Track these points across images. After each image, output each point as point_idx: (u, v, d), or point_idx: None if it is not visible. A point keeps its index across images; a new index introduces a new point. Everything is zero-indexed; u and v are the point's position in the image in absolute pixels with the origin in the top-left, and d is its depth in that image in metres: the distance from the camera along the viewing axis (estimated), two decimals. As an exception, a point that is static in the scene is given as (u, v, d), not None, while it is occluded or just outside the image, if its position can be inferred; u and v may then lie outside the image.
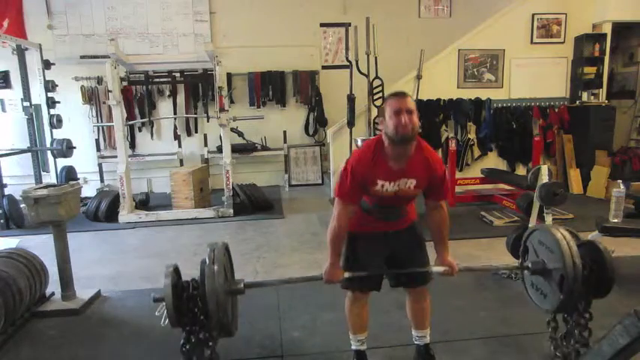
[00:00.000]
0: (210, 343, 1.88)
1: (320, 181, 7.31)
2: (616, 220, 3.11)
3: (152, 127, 7.10)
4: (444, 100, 6.23)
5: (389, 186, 1.96)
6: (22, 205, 4.89)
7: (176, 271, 1.87)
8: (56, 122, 6.01)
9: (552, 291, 2.02)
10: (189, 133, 7.25)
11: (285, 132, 7.16)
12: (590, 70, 6.28)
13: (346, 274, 2.05)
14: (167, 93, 7.11)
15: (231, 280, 1.97)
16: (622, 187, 3.20)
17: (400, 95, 1.95)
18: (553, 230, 2.09)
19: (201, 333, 1.85)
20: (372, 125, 5.93)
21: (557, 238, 2.04)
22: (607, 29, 6.28)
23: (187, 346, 1.86)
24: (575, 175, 6.25)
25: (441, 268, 2.08)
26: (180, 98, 7.12)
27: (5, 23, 6.44)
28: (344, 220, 2.00)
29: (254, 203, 5.55)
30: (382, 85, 5.81)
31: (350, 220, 2.02)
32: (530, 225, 3.26)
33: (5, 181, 5.09)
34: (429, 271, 2.10)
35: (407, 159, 1.96)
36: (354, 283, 2.10)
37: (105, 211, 5.24)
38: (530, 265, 2.14)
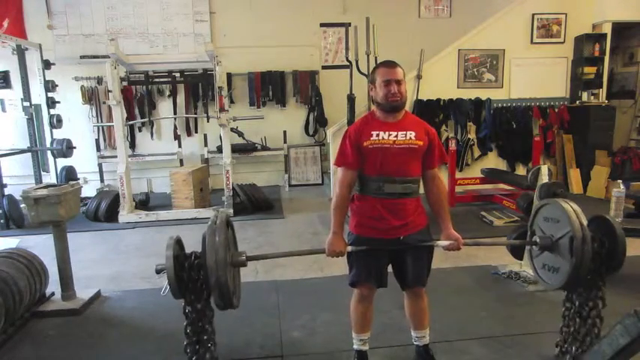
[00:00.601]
0: (211, 314, 1.91)
1: (320, 181, 7.31)
2: (617, 220, 3.11)
3: (152, 127, 7.10)
4: (443, 100, 6.23)
5: (384, 135, 2.00)
6: (22, 205, 4.89)
7: (178, 242, 1.87)
8: (56, 122, 6.01)
9: (563, 261, 1.99)
10: (189, 133, 7.25)
11: (285, 132, 7.16)
12: (590, 70, 6.27)
13: (349, 248, 2.05)
14: (167, 93, 7.11)
15: (234, 251, 1.95)
16: (622, 187, 3.20)
17: (390, 65, 2.03)
18: (559, 202, 2.09)
19: (202, 303, 1.87)
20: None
21: (563, 208, 2.04)
22: (607, 29, 6.28)
23: (189, 316, 1.88)
24: (575, 175, 6.25)
25: (446, 242, 2.08)
26: (180, 98, 7.12)
27: (5, 23, 6.44)
28: (345, 187, 2.04)
29: (254, 203, 5.55)
30: (382, 85, 5.80)
31: (358, 210, 2.06)
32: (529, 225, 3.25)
33: (5, 181, 5.10)
34: (434, 244, 2.10)
35: (399, 118, 2.06)
36: (362, 278, 2.07)
37: (105, 211, 5.24)
38: (538, 241, 2.13)
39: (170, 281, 1.77)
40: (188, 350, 1.94)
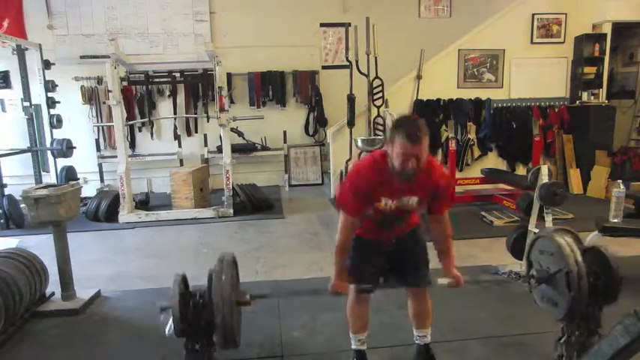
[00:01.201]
0: (215, 354, 1.88)
1: (320, 181, 7.31)
2: (616, 220, 3.10)
3: (152, 127, 7.10)
4: (444, 100, 6.23)
5: (392, 203, 1.96)
6: (22, 205, 4.89)
7: (184, 280, 1.87)
8: (56, 122, 6.01)
9: (561, 295, 2.02)
10: (189, 133, 7.25)
11: (285, 132, 7.15)
12: (590, 70, 6.28)
13: (352, 287, 2.04)
14: (167, 93, 7.11)
15: (239, 291, 1.96)
16: (622, 187, 3.19)
17: (413, 140, 1.82)
18: (552, 235, 2.11)
19: (206, 343, 1.85)
20: (371, 125, 5.93)
21: (557, 242, 2.06)
22: (607, 29, 6.28)
23: (191, 356, 1.85)
24: (575, 175, 6.25)
25: (446, 280, 2.08)
26: (180, 98, 7.12)
27: (5, 23, 6.43)
28: (349, 233, 2.01)
29: (254, 203, 5.55)
30: (382, 85, 5.81)
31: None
32: (530, 225, 3.25)
33: (5, 181, 5.09)
34: (432, 282, 2.10)
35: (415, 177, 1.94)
36: (357, 282, 2.08)
37: (105, 211, 5.24)
38: (534, 274, 2.13)
39: (175, 320, 1.76)
40: None
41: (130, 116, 6.81)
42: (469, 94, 6.28)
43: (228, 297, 1.75)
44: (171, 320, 1.78)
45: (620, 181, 3.23)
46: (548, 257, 2.12)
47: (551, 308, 2.10)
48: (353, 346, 2.25)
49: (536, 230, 3.16)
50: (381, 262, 2.13)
